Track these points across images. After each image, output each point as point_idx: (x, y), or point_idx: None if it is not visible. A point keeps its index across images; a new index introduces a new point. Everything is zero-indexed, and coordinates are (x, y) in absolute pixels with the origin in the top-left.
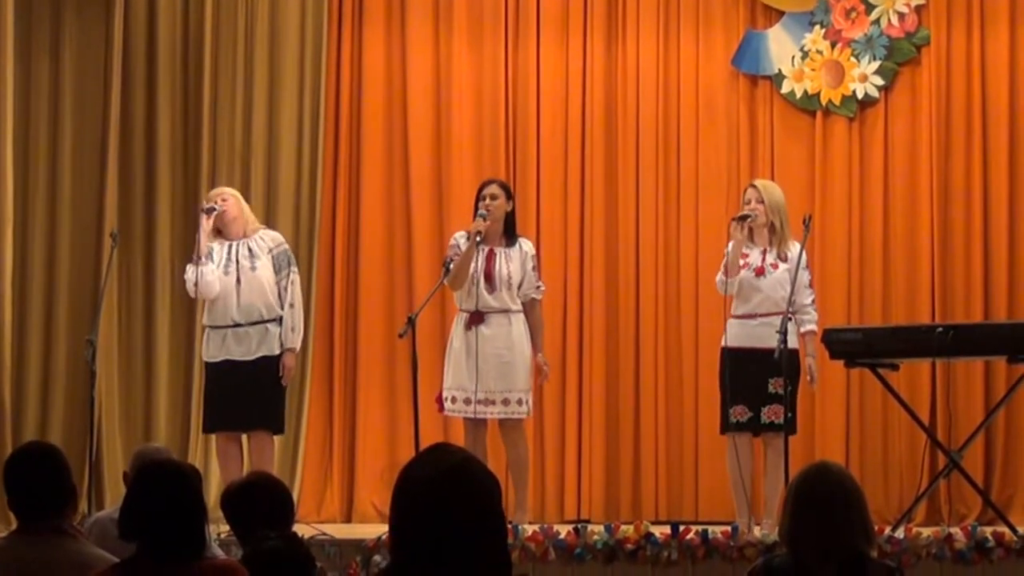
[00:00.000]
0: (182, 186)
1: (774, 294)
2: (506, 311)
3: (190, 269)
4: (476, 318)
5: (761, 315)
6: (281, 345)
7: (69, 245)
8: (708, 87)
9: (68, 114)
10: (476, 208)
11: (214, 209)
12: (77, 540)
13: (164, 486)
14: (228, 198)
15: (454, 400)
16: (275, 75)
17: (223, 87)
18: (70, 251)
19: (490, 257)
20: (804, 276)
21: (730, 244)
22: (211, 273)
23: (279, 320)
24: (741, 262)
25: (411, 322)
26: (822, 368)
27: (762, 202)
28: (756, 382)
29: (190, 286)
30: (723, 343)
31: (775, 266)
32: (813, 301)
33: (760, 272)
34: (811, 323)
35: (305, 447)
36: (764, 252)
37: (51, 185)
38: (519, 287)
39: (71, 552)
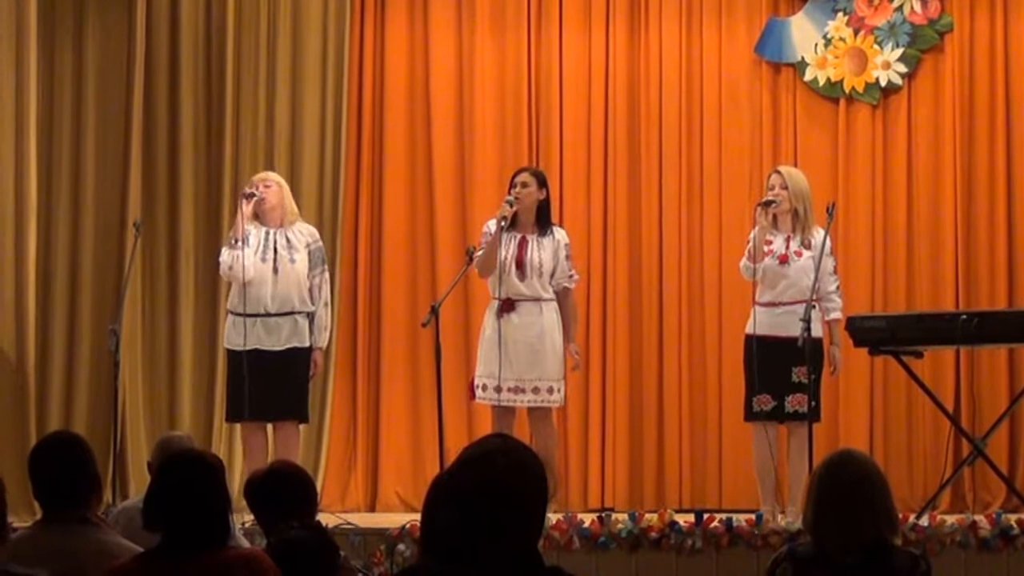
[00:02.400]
0: (205, 176)
1: (799, 282)
2: (537, 299)
3: (226, 252)
4: (507, 306)
5: (785, 303)
6: (311, 339)
7: (92, 235)
8: (731, 75)
9: (91, 106)
10: (508, 194)
11: (254, 195)
12: (102, 529)
13: (188, 476)
14: (272, 185)
15: (484, 388)
16: (298, 65)
17: (246, 78)
18: (93, 241)
19: (522, 244)
20: (828, 263)
21: (754, 230)
22: (248, 258)
23: (307, 314)
24: (765, 248)
25: (434, 311)
26: (846, 356)
27: (786, 188)
28: (780, 371)
29: (224, 268)
30: (748, 330)
31: (799, 253)
32: (838, 288)
33: (784, 260)
34: (836, 311)
35: (329, 436)
36: (788, 239)
37: (74, 176)
38: (552, 276)
39: (96, 542)
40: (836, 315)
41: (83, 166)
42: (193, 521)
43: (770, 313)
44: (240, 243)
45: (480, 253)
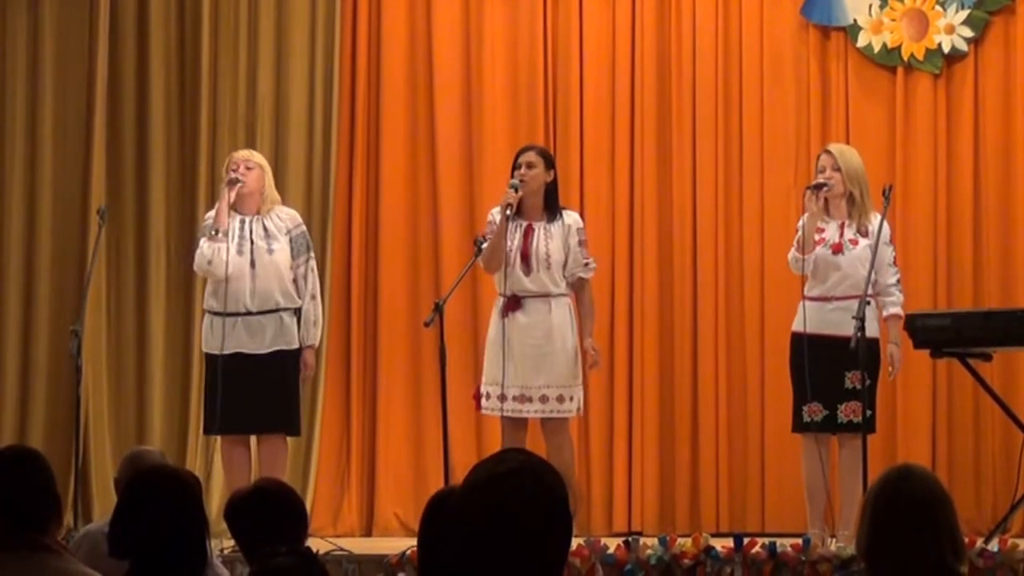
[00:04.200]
0: (178, 157)
1: (854, 273)
2: (546, 295)
3: (206, 244)
4: (512, 304)
5: (838, 298)
6: (299, 339)
7: (51, 223)
8: (774, 40)
9: (48, 73)
10: (512, 177)
11: (239, 181)
12: (62, 557)
13: (161, 496)
14: (254, 167)
15: (488, 396)
16: (283, 29)
17: (224, 45)
18: (52, 230)
19: (527, 234)
20: (887, 252)
21: (803, 217)
22: (226, 252)
23: (293, 311)
24: (816, 237)
25: (438, 309)
26: (905, 358)
27: (838, 170)
28: (831, 375)
29: (202, 262)
30: (795, 328)
31: (855, 242)
32: (898, 281)
33: (838, 249)
34: (895, 306)
35: (319, 451)
36: (842, 226)
37: (30, 155)
38: (564, 266)
39: (55, 570)
40: (896, 310)
41: (39, 143)
42: (167, 547)
43: (821, 309)
44: (222, 235)
45: (485, 245)
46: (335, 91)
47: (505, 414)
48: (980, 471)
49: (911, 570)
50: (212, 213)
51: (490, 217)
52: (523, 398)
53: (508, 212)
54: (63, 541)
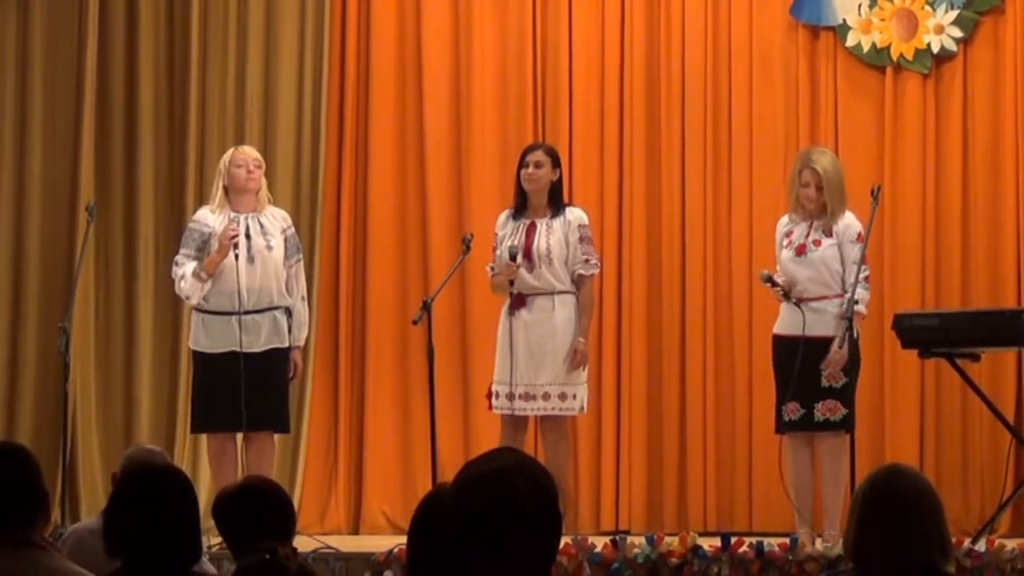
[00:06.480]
0: (167, 153)
1: (818, 274)
2: (550, 292)
3: (187, 283)
4: (518, 302)
5: (807, 299)
6: (290, 338)
7: (39, 220)
8: (763, 40)
9: (38, 70)
10: (518, 176)
11: (236, 238)
12: (49, 554)
13: (153, 493)
14: (262, 166)
15: (497, 396)
16: (272, 26)
17: (213, 41)
18: (40, 226)
19: (530, 231)
20: (854, 250)
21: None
22: (203, 290)
23: (286, 309)
24: (785, 241)
25: (426, 307)
26: (892, 359)
27: (821, 188)
28: (808, 374)
29: (179, 292)
30: (775, 329)
31: (818, 243)
32: (867, 278)
33: (801, 250)
34: (859, 303)
35: (307, 449)
36: (809, 227)
37: (18, 151)
38: (566, 262)
39: (43, 567)
40: (858, 307)
41: (28, 140)
42: (159, 544)
43: (792, 311)
44: (207, 276)
45: (492, 270)
46: (324, 89)
47: (515, 412)
48: (968, 471)
49: (898, 570)
50: (203, 215)
51: (498, 222)
52: (527, 396)
53: (511, 287)
54: (51, 538)
